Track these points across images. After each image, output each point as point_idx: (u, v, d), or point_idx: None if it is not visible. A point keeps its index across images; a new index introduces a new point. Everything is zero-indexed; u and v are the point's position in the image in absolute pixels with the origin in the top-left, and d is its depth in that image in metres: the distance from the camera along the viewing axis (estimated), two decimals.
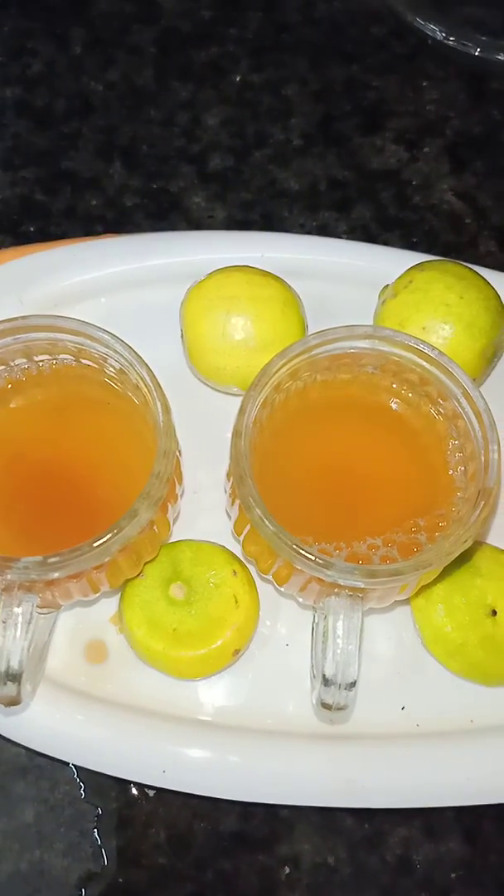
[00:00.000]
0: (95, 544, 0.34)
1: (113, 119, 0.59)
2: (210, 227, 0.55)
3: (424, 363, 0.39)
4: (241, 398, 0.47)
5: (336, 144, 0.58)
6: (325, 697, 0.36)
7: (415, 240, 0.55)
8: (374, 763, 0.41)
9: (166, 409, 0.37)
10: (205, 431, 0.46)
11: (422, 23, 0.59)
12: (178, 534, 0.44)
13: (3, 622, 0.35)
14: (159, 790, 0.42)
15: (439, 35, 0.56)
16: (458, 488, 0.39)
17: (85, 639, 0.43)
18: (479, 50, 0.56)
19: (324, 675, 0.36)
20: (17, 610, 0.36)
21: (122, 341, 0.38)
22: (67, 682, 0.42)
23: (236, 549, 0.43)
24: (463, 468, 0.39)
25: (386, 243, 0.55)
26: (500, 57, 0.56)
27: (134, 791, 0.42)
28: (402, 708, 0.43)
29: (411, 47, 0.61)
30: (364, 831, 0.43)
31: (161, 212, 0.56)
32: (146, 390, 0.38)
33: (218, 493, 0.45)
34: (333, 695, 0.36)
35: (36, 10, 0.62)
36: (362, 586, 0.36)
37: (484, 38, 0.59)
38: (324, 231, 0.55)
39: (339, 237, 0.55)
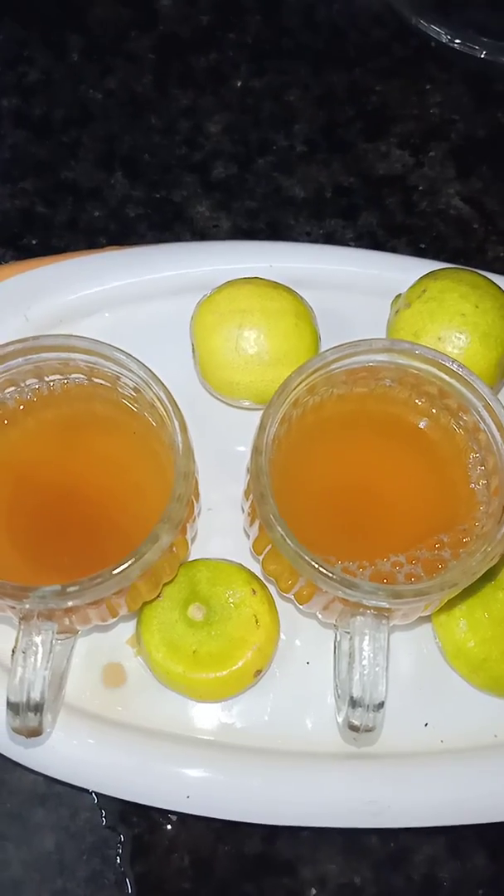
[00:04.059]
0: (115, 571, 0.34)
1: (113, 128, 0.58)
2: (215, 236, 0.54)
3: (444, 375, 0.38)
4: (251, 412, 0.47)
5: (340, 150, 0.57)
6: (352, 719, 0.35)
7: (422, 246, 0.55)
8: (399, 782, 0.40)
9: (184, 429, 0.37)
10: (215, 445, 0.45)
11: (425, 25, 0.58)
12: (193, 552, 0.43)
13: (23, 652, 0.34)
14: (181, 813, 0.41)
15: (444, 38, 0.55)
16: (480, 502, 0.38)
17: (102, 662, 0.42)
18: (485, 53, 0.56)
19: (351, 697, 0.35)
20: (37, 639, 0.35)
21: (138, 360, 0.37)
22: (85, 707, 0.41)
23: (253, 567, 0.42)
24: (485, 482, 0.38)
25: (394, 250, 0.54)
26: None
27: (156, 816, 0.42)
28: (426, 724, 0.42)
29: (413, 50, 0.60)
30: (389, 850, 0.42)
31: (165, 222, 0.55)
32: (163, 410, 0.37)
33: (231, 510, 0.44)
34: (361, 716, 0.35)
35: (30, 17, 0.61)
36: (387, 607, 0.35)
37: (486, 40, 0.59)
38: (331, 239, 0.55)
39: (347, 245, 0.54)
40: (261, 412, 0.46)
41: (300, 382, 0.37)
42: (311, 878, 0.41)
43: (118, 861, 0.41)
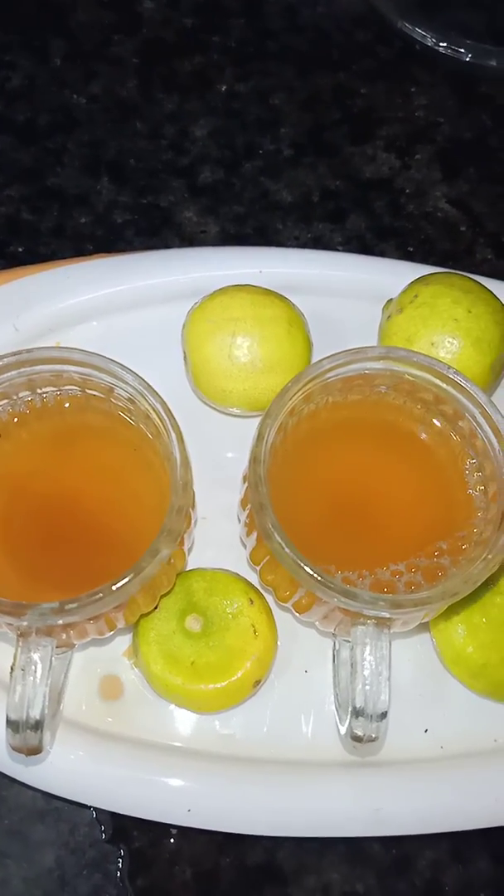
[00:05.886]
0: (115, 587, 0.33)
1: (98, 133, 0.57)
2: (203, 242, 0.54)
3: (440, 382, 0.38)
4: (240, 418, 0.47)
5: (327, 154, 0.57)
6: (355, 730, 0.35)
7: (411, 249, 0.55)
8: (400, 789, 0.40)
9: (181, 440, 0.36)
10: (204, 452, 0.44)
11: (409, 27, 0.58)
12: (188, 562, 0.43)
13: (22, 669, 0.34)
14: (182, 826, 0.41)
15: (430, 41, 0.55)
16: (478, 508, 0.38)
17: (99, 675, 0.42)
18: (470, 56, 0.56)
19: (354, 707, 0.35)
20: (35, 656, 0.34)
21: (133, 372, 0.37)
22: (82, 721, 0.41)
23: (248, 575, 0.42)
24: (482, 488, 0.38)
25: (382, 254, 0.54)
26: (491, 63, 0.56)
27: (156, 829, 0.41)
28: (425, 730, 0.42)
29: (397, 52, 0.60)
30: (392, 857, 0.42)
31: (153, 228, 0.54)
32: (159, 421, 0.37)
33: (224, 518, 0.44)
34: (364, 727, 0.35)
35: (11, 21, 0.60)
36: (388, 616, 0.35)
37: (469, 42, 0.59)
38: (319, 243, 0.54)
39: (335, 249, 0.54)
40: (250, 419, 0.46)
41: (297, 391, 0.37)
42: (315, 888, 0.41)
43: (119, 875, 0.41)
